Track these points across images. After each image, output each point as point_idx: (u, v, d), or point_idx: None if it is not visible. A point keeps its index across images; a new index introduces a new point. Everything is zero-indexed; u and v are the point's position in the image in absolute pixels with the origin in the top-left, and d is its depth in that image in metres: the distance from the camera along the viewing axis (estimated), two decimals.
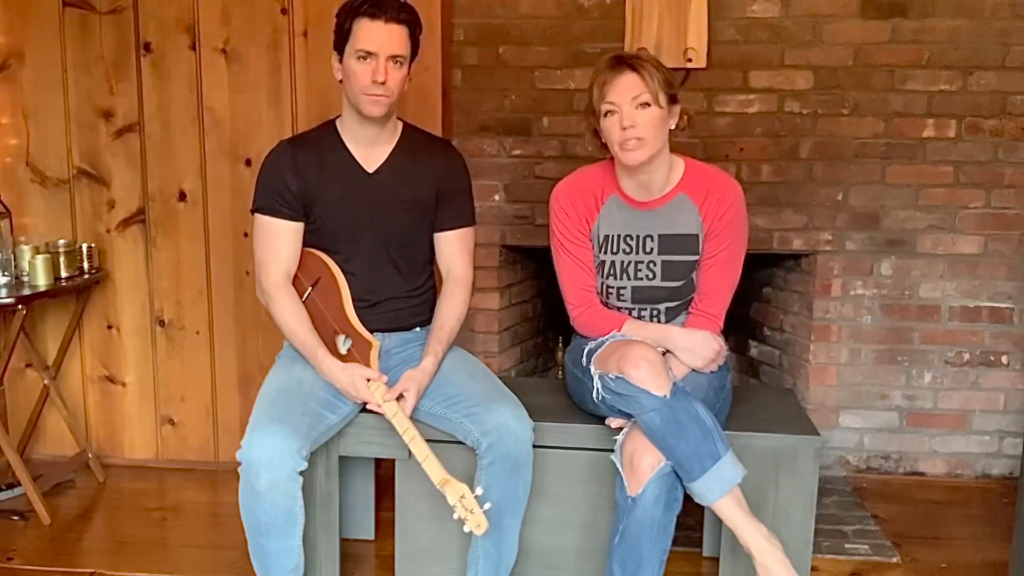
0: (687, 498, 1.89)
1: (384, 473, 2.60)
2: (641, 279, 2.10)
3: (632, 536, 1.86)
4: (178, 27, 2.83)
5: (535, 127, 2.96)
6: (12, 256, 2.70)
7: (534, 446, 1.99)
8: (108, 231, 2.97)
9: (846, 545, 2.50)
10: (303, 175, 2.06)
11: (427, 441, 1.90)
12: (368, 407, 1.99)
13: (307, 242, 2.11)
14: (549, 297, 3.32)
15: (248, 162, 2.86)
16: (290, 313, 2.04)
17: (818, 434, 2.11)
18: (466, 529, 1.83)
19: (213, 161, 2.89)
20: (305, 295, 2.08)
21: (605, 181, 2.12)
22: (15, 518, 2.65)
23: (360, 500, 2.54)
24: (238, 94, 2.85)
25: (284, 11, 2.80)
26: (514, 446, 1.93)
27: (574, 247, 2.12)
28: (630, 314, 2.13)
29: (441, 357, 2.08)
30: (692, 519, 2.44)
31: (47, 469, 2.89)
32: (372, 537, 2.55)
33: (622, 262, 2.11)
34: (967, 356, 2.97)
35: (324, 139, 2.11)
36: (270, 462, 1.83)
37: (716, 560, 2.20)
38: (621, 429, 1.98)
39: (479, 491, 1.83)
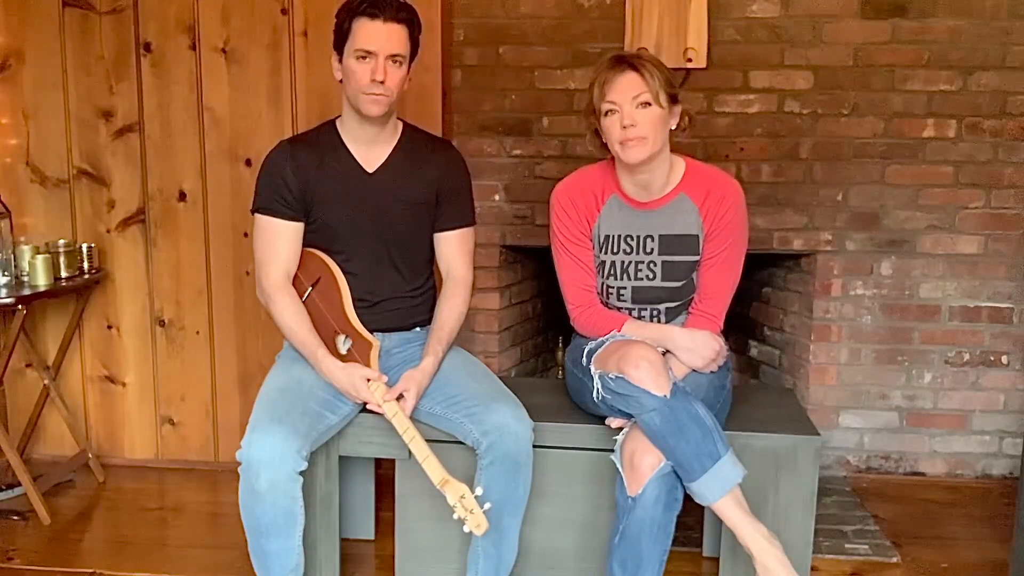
0: (687, 498, 1.89)
1: (384, 473, 2.60)
2: (641, 279, 2.10)
3: (632, 536, 1.86)
4: (178, 27, 2.83)
5: (535, 127, 2.96)
6: (12, 256, 2.70)
7: (534, 446, 1.99)
8: (108, 231, 2.97)
9: (846, 545, 2.50)
10: (303, 175, 2.06)
11: (427, 441, 1.90)
12: (368, 407, 1.99)
13: (307, 242, 2.11)
14: (549, 297, 3.32)
15: (248, 162, 2.86)
16: (290, 313, 2.04)
17: (818, 434, 2.11)
18: (466, 529, 1.83)
19: (213, 161, 2.89)
20: (305, 295, 2.08)
21: (606, 181, 2.12)
22: (15, 518, 2.65)
23: (360, 500, 2.54)
24: (238, 94, 2.85)
25: (284, 11, 2.80)
26: (514, 446, 1.93)
27: (574, 247, 2.12)
28: (630, 314, 2.13)
29: (441, 357, 2.08)
30: (692, 519, 2.44)
31: (47, 469, 2.89)
32: (372, 537, 2.55)
33: (622, 262, 2.11)
34: (967, 356, 2.97)
35: (324, 139, 2.11)
36: (270, 462, 1.83)
37: (716, 560, 2.20)
38: (621, 429, 1.98)
39: (479, 491, 1.83)
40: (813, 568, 2.23)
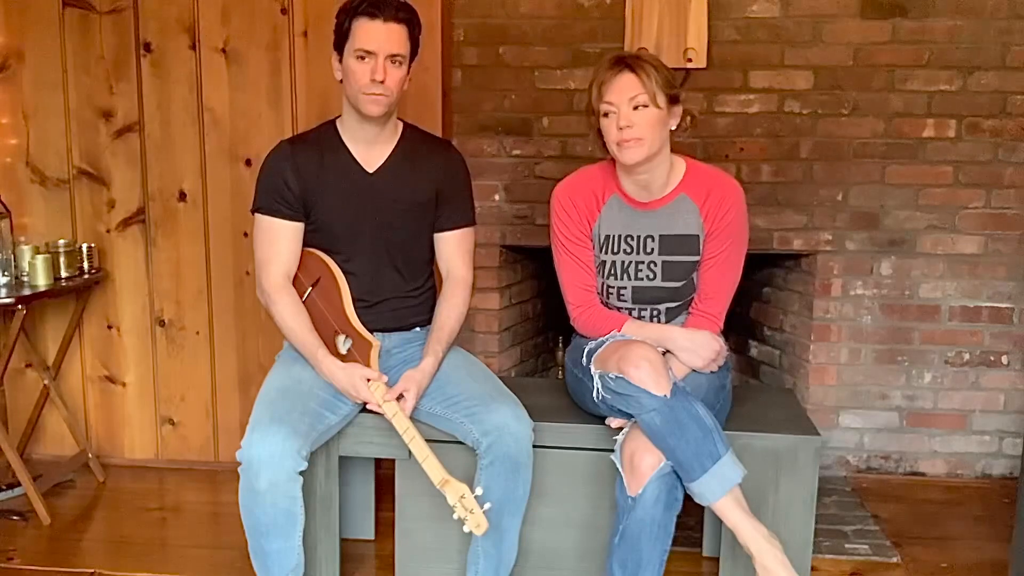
0: (687, 498, 1.89)
1: (384, 473, 2.60)
2: (642, 279, 2.10)
3: (632, 536, 1.86)
4: (178, 27, 2.83)
5: (535, 127, 2.96)
6: (12, 256, 2.71)
7: (534, 446, 1.99)
8: (108, 231, 2.97)
9: (846, 545, 2.50)
10: (303, 175, 2.06)
11: (427, 441, 1.90)
12: (368, 407, 1.99)
13: (307, 242, 2.11)
14: (549, 297, 3.32)
15: (248, 162, 2.86)
16: (290, 313, 2.04)
17: (818, 434, 2.11)
18: (466, 529, 1.83)
19: (213, 161, 2.89)
20: (305, 295, 2.08)
21: (606, 181, 2.12)
22: (15, 518, 2.65)
23: (360, 500, 2.54)
24: (238, 94, 2.85)
25: (284, 11, 2.80)
26: (514, 446, 1.93)
27: (575, 247, 2.12)
28: (630, 314, 2.13)
29: (441, 357, 2.08)
30: (692, 519, 2.44)
31: (47, 469, 2.89)
32: (372, 537, 2.55)
33: (623, 262, 2.11)
34: (967, 356, 2.97)
35: (324, 139, 2.11)
36: (270, 462, 1.83)
37: (716, 560, 2.20)
38: (621, 429, 1.98)
39: (479, 491, 1.83)
40: (813, 568, 2.23)
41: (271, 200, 2.06)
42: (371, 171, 2.10)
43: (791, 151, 2.90)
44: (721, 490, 1.82)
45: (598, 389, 1.96)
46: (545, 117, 2.95)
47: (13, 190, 2.92)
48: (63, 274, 2.78)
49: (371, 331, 2.04)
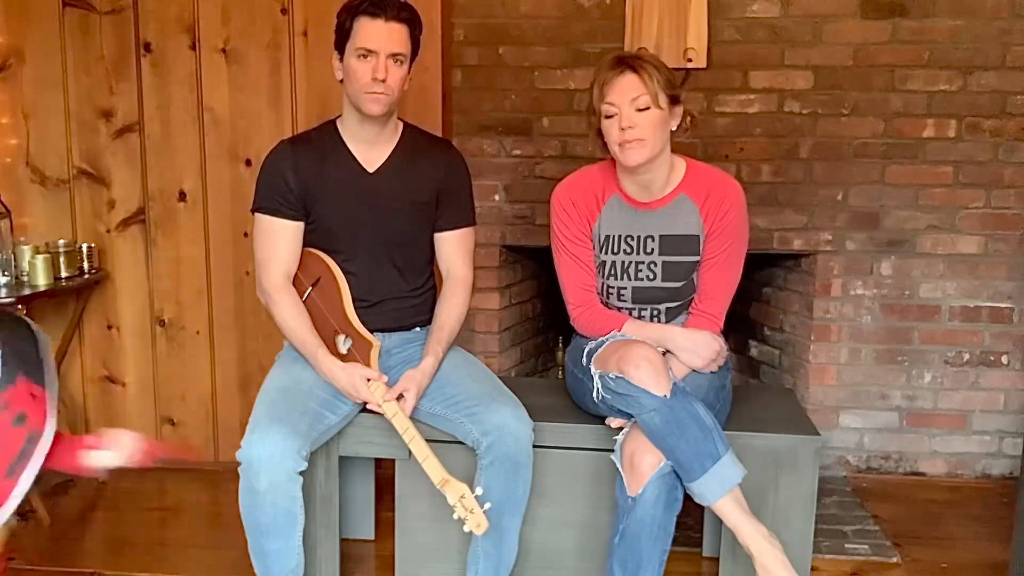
0: (687, 498, 1.89)
1: (384, 473, 2.60)
2: (642, 279, 2.10)
3: (632, 536, 1.86)
4: (178, 27, 2.83)
5: (535, 127, 2.96)
6: (12, 256, 2.70)
7: (534, 446, 1.99)
8: (108, 231, 2.97)
9: (846, 545, 2.50)
10: (303, 175, 2.06)
11: (427, 441, 1.90)
12: (368, 407, 1.99)
13: (307, 242, 2.11)
14: (549, 297, 3.32)
15: (248, 162, 2.86)
16: (290, 313, 2.04)
17: (818, 434, 2.11)
18: (466, 529, 1.82)
19: (213, 161, 2.89)
20: (305, 295, 2.08)
21: (606, 181, 2.12)
22: (15, 518, 2.65)
23: (360, 500, 2.54)
24: (238, 94, 2.85)
25: (284, 11, 2.80)
26: (514, 446, 1.93)
27: (575, 247, 2.12)
28: (630, 314, 2.13)
29: (441, 357, 2.08)
30: (692, 519, 2.44)
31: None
32: (372, 537, 2.55)
33: (623, 262, 2.11)
34: (967, 356, 2.97)
35: (325, 139, 2.11)
36: (270, 462, 1.83)
37: (716, 560, 2.20)
38: (621, 429, 1.98)
39: (479, 491, 1.83)
40: (813, 568, 2.23)
41: (271, 200, 2.06)
42: (371, 171, 2.10)
43: (791, 151, 2.90)
44: (721, 490, 1.82)
45: (598, 389, 1.96)
46: (545, 117, 2.95)
47: (13, 190, 2.92)
48: (63, 274, 2.78)
49: (371, 331, 2.04)
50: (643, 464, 1.85)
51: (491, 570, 2.02)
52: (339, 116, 2.13)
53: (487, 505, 1.83)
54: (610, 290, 2.14)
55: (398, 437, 1.93)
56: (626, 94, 1.93)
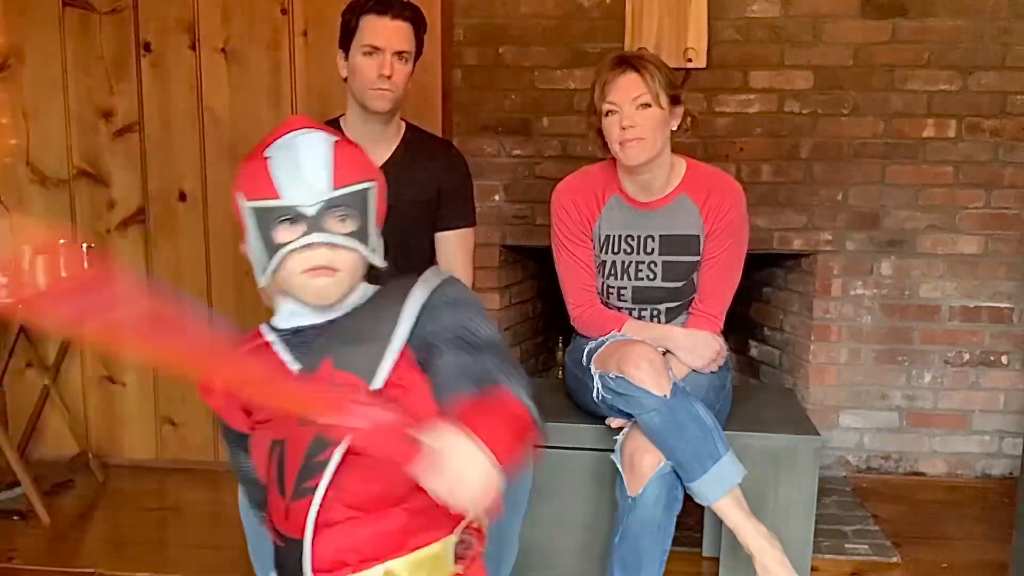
0: (687, 498, 1.89)
1: None
2: (642, 279, 2.10)
3: (632, 536, 1.86)
4: (178, 27, 2.83)
5: (535, 127, 2.96)
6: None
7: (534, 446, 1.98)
8: (108, 231, 2.97)
9: (846, 545, 2.50)
10: None
11: None
12: None
13: None
14: (549, 297, 3.32)
15: None
16: None
17: (818, 434, 2.11)
18: None
19: (213, 161, 2.89)
20: None
21: (607, 181, 2.12)
22: (15, 518, 2.65)
23: None
24: (238, 94, 2.85)
25: (284, 11, 2.80)
26: None
27: (575, 247, 2.12)
28: (630, 314, 2.13)
29: None
30: (692, 519, 2.43)
31: (47, 469, 2.89)
32: None
33: (623, 262, 2.11)
34: (967, 356, 2.97)
35: None
36: None
37: (716, 560, 2.20)
38: (621, 429, 1.98)
39: None
40: (813, 568, 2.23)
41: None
42: None
43: (791, 151, 2.90)
44: (721, 490, 1.82)
45: (598, 389, 1.96)
46: (545, 117, 2.95)
47: (13, 190, 2.92)
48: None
49: None
50: (643, 464, 1.85)
51: (491, 570, 2.02)
52: (342, 115, 2.14)
53: None
54: (610, 290, 2.14)
55: None
56: (627, 93, 1.93)
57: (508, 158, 2.98)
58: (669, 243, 2.08)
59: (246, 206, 1.14)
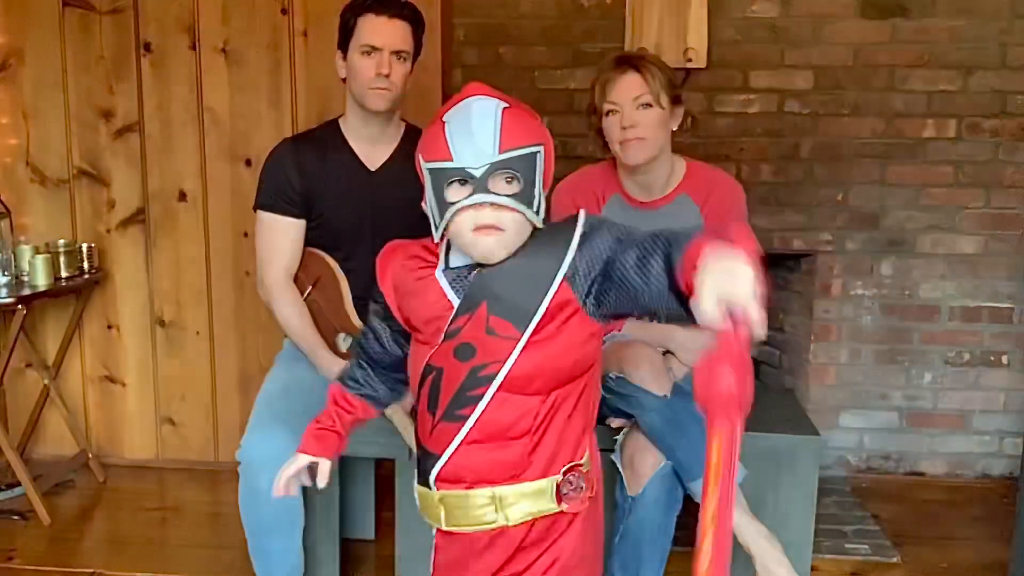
0: (687, 498, 1.89)
1: (384, 473, 2.60)
2: None
3: (632, 536, 1.86)
4: (178, 27, 2.83)
5: None
6: (12, 256, 2.70)
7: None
8: (108, 231, 2.97)
9: (846, 545, 2.50)
10: (306, 173, 2.06)
11: None
12: None
13: (308, 240, 2.11)
14: None
15: (248, 162, 2.86)
16: (291, 311, 2.04)
17: (818, 434, 2.11)
18: None
19: (213, 161, 2.89)
20: (306, 294, 2.09)
21: (607, 181, 2.12)
22: (15, 518, 2.65)
23: (360, 500, 2.54)
24: (238, 94, 2.85)
25: (284, 11, 2.80)
26: None
27: None
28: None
29: None
30: (692, 519, 2.43)
31: (47, 469, 2.89)
32: (372, 537, 2.55)
33: None
34: (967, 356, 2.97)
35: (327, 137, 2.11)
36: (270, 462, 1.82)
37: None
38: (621, 429, 1.98)
39: None
40: (813, 568, 2.23)
41: (273, 197, 2.06)
42: (373, 169, 2.10)
43: (791, 151, 2.90)
44: None
45: None
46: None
47: (13, 190, 2.92)
48: (63, 274, 2.78)
49: None
50: (643, 464, 1.85)
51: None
52: (341, 115, 2.14)
53: None
54: None
55: (398, 437, 1.93)
56: (628, 93, 1.93)
57: None
58: None
59: (424, 166, 1.29)
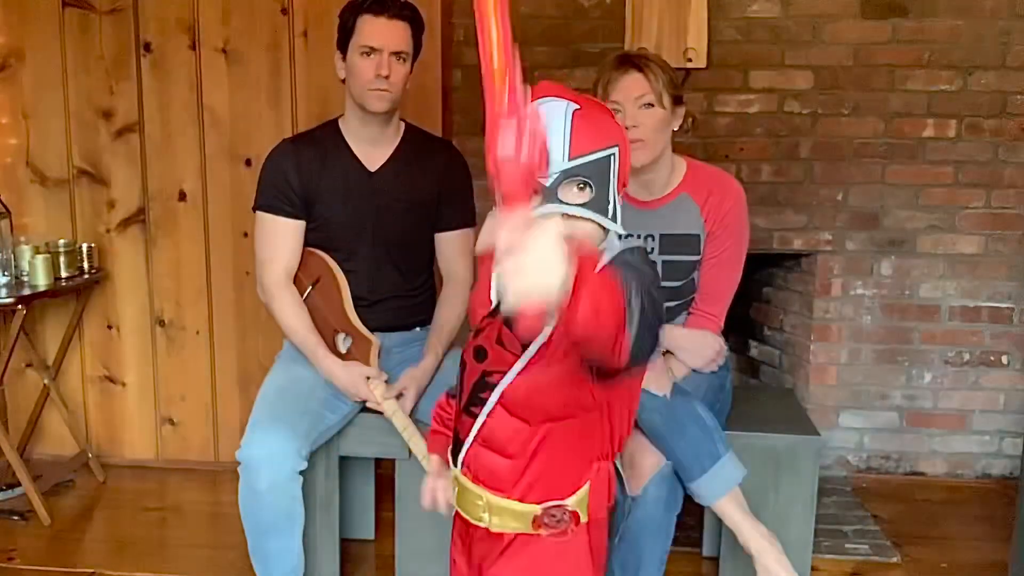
0: (687, 498, 1.89)
1: (384, 473, 2.60)
2: None
3: (632, 536, 1.86)
4: (178, 27, 2.83)
5: None
6: (12, 256, 2.70)
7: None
8: (108, 231, 2.97)
9: (846, 545, 2.50)
10: (305, 174, 2.06)
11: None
12: (368, 405, 1.99)
13: (308, 241, 2.12)
14: None
15: (248, 162, 2.86)
16: (291, 311, 2.04)
17: (818, 434, 2.11)
18: None
19: (213, 161, 2.89)
20: (305, 294, 2.09)
21: None
22: (15, 518, 2.65)
23: (360, 500, 2.54)
24: (238, 94, 2.85)
25: (284, 11, 2.80)
26: None
27: None
28: None
29: (441, 356, 2.08)
30: (692, 519, 2.43)
31: (47, 469, 2.89)
32: (372, 537, 2.55)
33: None
34: (967, 356, 2.97)
35: (326, 138, 2.11)
36: (270, 462, 1.83)
37: (716, 560, 2.20)
38: None
39: None
40: (813, 568, 2.23)
41: (273, 198, 2.06)
42: (372, 170, 2.10)
43: (791, 151, 2.90)
44: (721, 490, 1.82)
45: None
46: None
47: (13, 190, 2.92)
48: (63, 274, 2.78)
49: (371, 330, 2.04)
50: (643, 464, 1.85)
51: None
52: (341, 116, 2.14)
53: None
54: None
55: (398, 437, 1.93)
56: (630, 92, 1.93)
57: None
58: (669, 242, 2.08)
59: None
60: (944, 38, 2.81)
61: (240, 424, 2.91)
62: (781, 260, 3.12)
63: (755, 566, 1.81)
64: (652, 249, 2.09)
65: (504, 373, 1.19)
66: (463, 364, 1.28)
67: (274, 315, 2.08)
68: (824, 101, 2.87)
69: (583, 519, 1.23)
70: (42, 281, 2.68)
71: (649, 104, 1.93)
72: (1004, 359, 2.97)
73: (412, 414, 1.96)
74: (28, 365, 3.01)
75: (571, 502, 1.22)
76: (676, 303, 2.14)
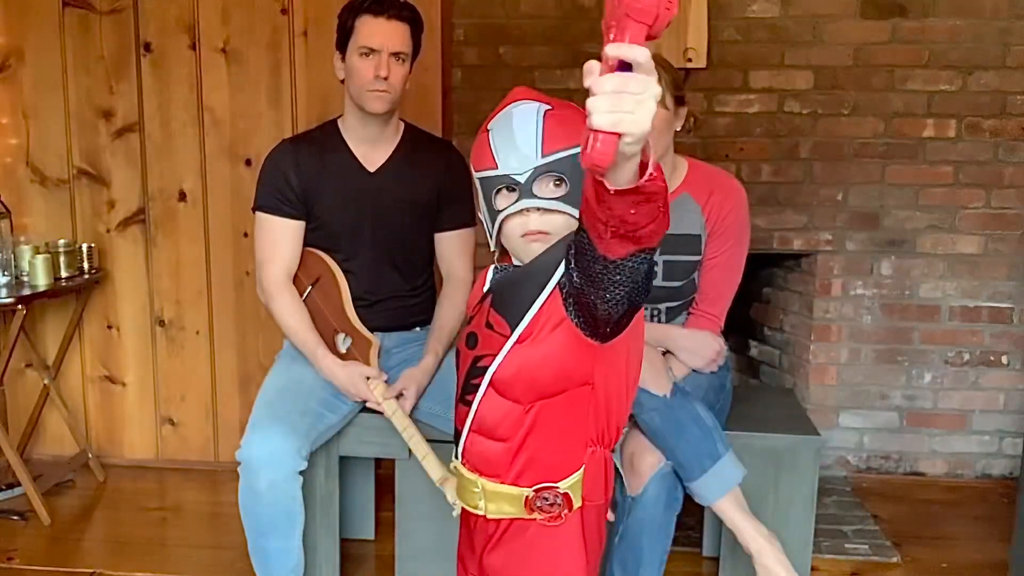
0: (687, 498, 1.89)
1: (384, 473, 2.60)
2: None
3: (632, 536, 1.86)
4: (178, 27, 2.83)
5: None
6: (12, 256, 2.70)
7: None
8: (108, 231, 2.97)
9: (846, 545, 2.50)
10: (305, 174, 2.06)
11: (427, 440, 1.90)
12: (368, 405, 1.99)
13: (307, 241, 2.11)
14: None
15: (248, 162, 2.86)
16: (290, 311, 2.04)
17: (818, 434, 2.11)
18: None
19: (213, 161, 2.89)
20: (305, 294, 2.09)
21: None
22: (15, 518, 2.65)
23: (360, 500, 2.54)
24: (238, 94, 2.85)
25: (284, 11, 2.80)
26: None
27: None
28: None
29: (441, 356, 2.08)
30: (692, 519, 2.44)
31: (47, 469, 2.89)
32: (372, 537, 2.55)
33: None
34: (967, 356, 2.97)
35: (326, 138, 2.11)
36: (270, 462, 1.83)
37: (716, 560, 2.20)
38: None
39: None
40: (813, 568, 2.23)
41: (272, 198, 2.06)
42: (372, 171, 2.10)
43: (791, 151, 2.90)
44: (721, 490, 1.82)
45: None
46: None
47: (13, 190, 2.92)
48: (63, 274, 2.78)
49: (371, 330, 2.04)
50: (643, 464, 1.85)
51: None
52: (340, 116, 2.13)
53: None
54: None
55: (398, 437, 1.93)
56: None
57: None
58: (670, 242, 2.06)
59: (474, 176, 1.27)
60: (944, 38, 2.81)
61: (240, 424, 2.91)
62: (781, 260, 3.12)
63: (755, 566, 1.81)
64: None
65: (492, 356, 1.20)
66: (457, 354, 1.30)
67: (274, 315, 2.08)
68: (824, 101, 2.87)
69: (576, 503, 1.24)
70: (42, 281, 2.68)
71: None
72: (1004, 359, 2.97)
73: (412, 414, 1.96)
74: (28, 365, 3.01)
75: (563, 485, 1.22)
76: (676, 303, 2.14)
